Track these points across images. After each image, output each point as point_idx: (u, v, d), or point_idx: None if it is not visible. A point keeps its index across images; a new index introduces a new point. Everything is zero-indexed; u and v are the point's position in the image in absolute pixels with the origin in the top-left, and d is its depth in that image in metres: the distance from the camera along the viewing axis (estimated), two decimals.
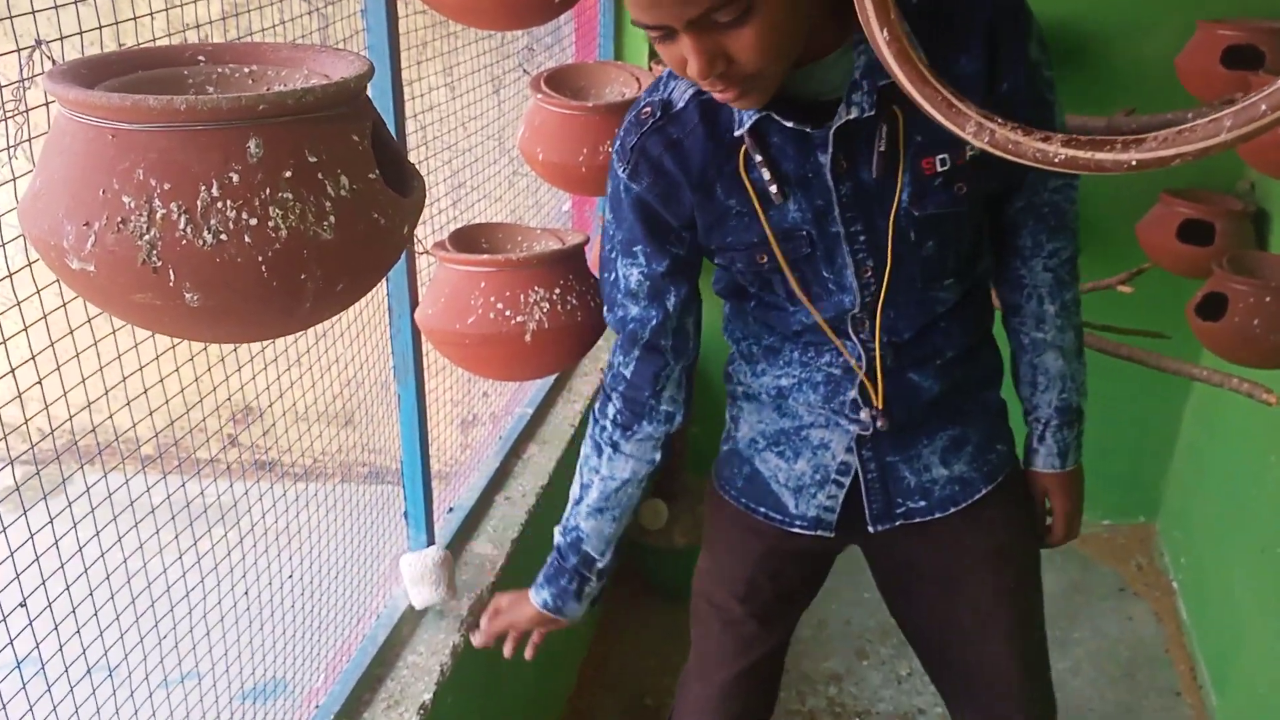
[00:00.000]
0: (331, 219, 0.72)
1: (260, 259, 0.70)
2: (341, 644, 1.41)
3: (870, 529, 1.28)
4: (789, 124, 1.04)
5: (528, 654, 1.43)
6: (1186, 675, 2.25)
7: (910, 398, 1.22)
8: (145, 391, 1.12)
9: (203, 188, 0.69)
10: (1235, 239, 2.11)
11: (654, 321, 1.20)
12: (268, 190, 0.71)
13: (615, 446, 1.28)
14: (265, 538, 1.36)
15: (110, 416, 1.09)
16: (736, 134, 1.07)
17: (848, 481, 1.26)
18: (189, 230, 0.69)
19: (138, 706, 1.14)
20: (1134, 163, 0.85)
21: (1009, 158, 0.90)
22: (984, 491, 1.28)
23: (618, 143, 1.14)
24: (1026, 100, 1.08)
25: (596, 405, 1.29)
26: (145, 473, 1.16)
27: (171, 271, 0.69)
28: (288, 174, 0.71)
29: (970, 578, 1.30)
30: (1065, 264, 1.24)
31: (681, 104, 1.10)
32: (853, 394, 1.21)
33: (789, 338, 1.22)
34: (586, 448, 1.32)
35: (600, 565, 1.37)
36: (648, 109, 1.11)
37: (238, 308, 0.72)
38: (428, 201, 1.66)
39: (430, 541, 1.49)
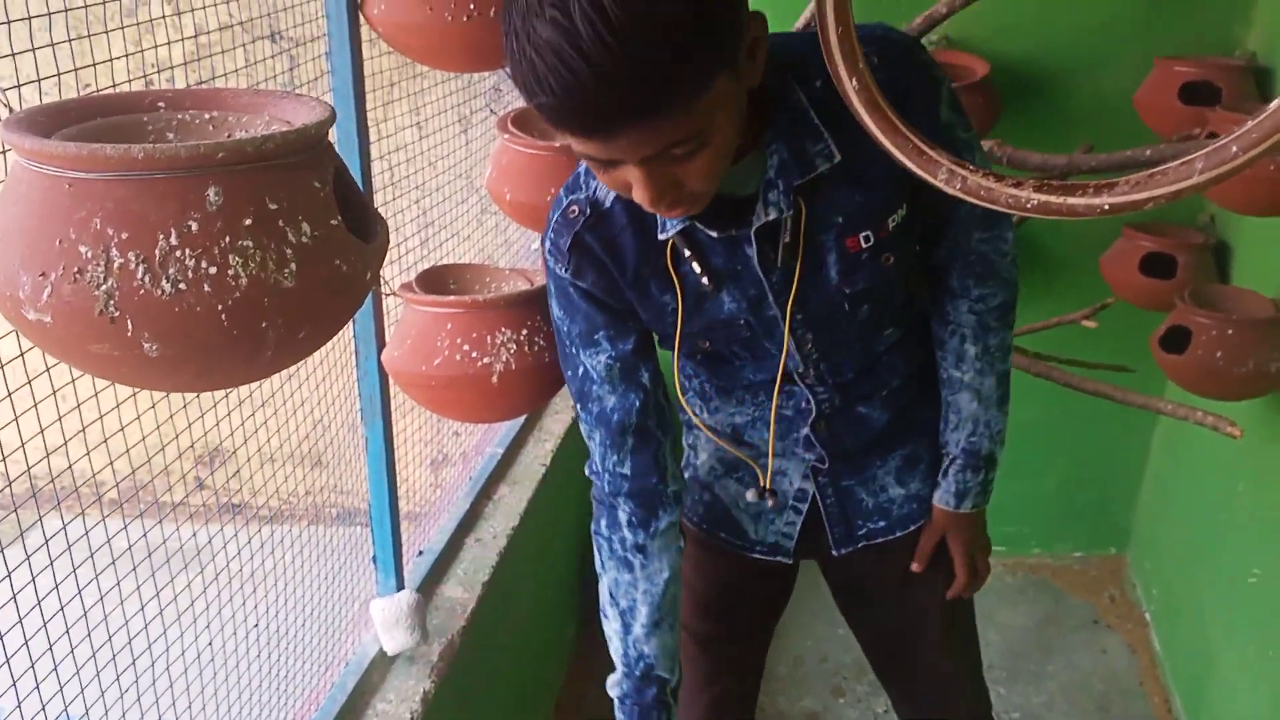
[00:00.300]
0: (293, 266, 0.72)
1: (220, 308, 0.69)
2: (310, 693, 1.38)
3: (834, 553, 1.32)
4: (713, 234, 1.06)
5: None
6: (1160, 707, 2.25)
7: (861, 429, 1.26)
8: (106, 440, 1.11)
9: (161, 237, 0.69)
10: (1197, 271, 2.14)
11: (636, 404, 1.16)
12: (227, 239, 0.70)
13: (643, 551, 1.20)
14: (232, 584, 1.34)
15: (71, 465, 1.07)
16: (661, 237, 1.08)
17: (805, 508, 1.30)
18: (147, 280, 0.68)
19: None
20: (1106, 207, 0.86)
21: (981, 204, 0.91)
22: None
23: (549, 243, 1.12)
24: None
25: (598, 525, 1.22)
26: (106, 521, 1.14)
27: (130, 322, 0.68)
28: (248, 222, 0.71)
29: (920, 588, 1.35)
30: (993, 310, 1.24)
31: (608, 204, 1.09)
32: (805, 431, 1.25)
33: (738, 385, 1.25)
34: (609, 575, 1.22)
35: (673, 684, 1.26)
36: (574, 208, 1.10)
37: (198, 357, 0.71)
38: (396, 241, 1.66)
39: (400, 585, 1.47)
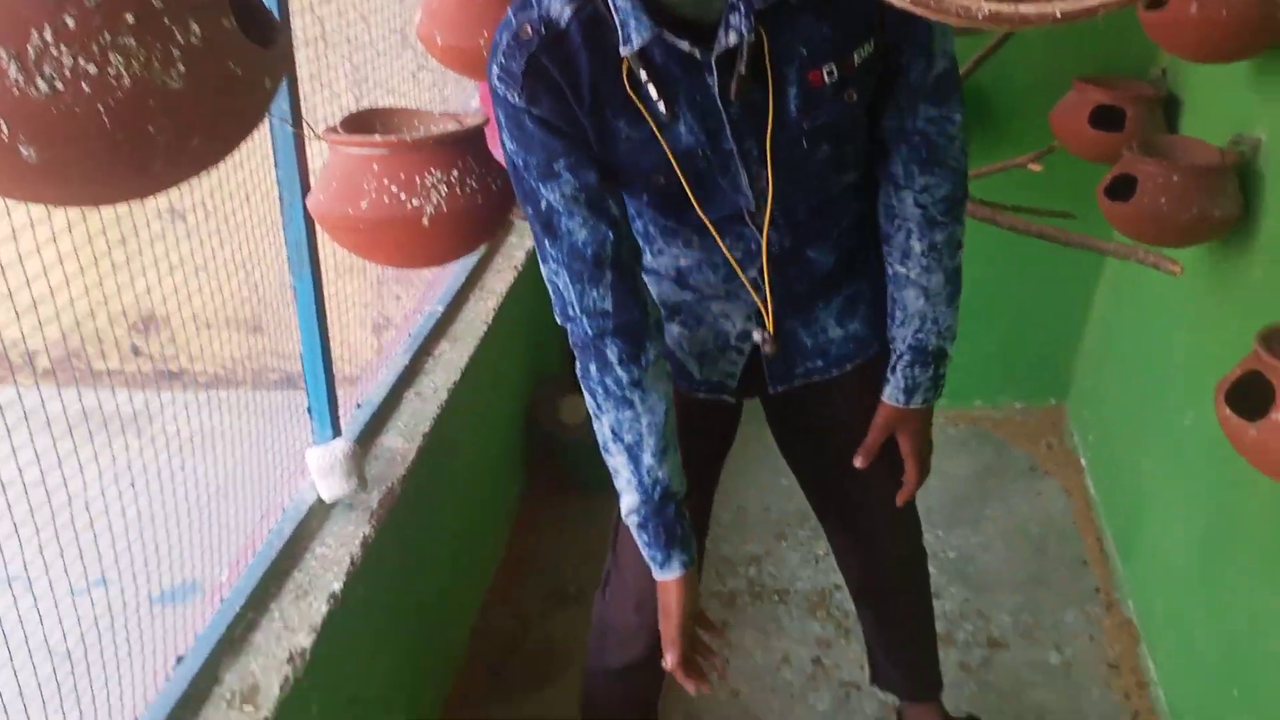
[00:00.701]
0: (180, 67, 0.68)
1: (102, 109, 0.65)
2: (248, 540, 1.38)
3: (770, 390, 1.33)
4: (683, 44, 1.01)
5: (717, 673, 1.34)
6: (1094, 547, 2.33)
7: (808, 272, 1.25)
8: (35, 305, 1.06)
9: (34, 32, 0.64)
10: (1146, 124, 2.12)
11: (610, 235, 1.12)
12: (108, 35, 0.65)
13: (639, 386, 1.18)
14: (170, 446, 1.32)
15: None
16: (623, 52, 1.02)
17: (748, 349, 1.30)
18: (20, 78, 0.64)
19: (43, 616, 1.11)
20: (1059, 14, 0.83)
21: (931, 15, 0.87)
22: (877, 349, 1.32)
23: (498, 69, 1.05)
24: None
25: (585, 371, 1.19)
26: (40, 386, 1.10)
27: (3, 123, 0.64)
28: (130, 19, 0.66)
29: (856, 427, 1.35)
30: (939, 203, 1.21)
31: (563, 23, 1.03)
32: (752, 274, 1.23)
33: (686, 225, 1.22)
34: (609, 417, 1.20)
35: (683, 495, 1.27)
36: (528, 27, 1.03)
37: (81, 163, 0.67)
38: (327, 98, 1.60)
39: (335, 434, 1.46)
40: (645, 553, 1.28)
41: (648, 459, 1.21)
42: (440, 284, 2.03)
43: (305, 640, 1.27)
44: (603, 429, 1.22)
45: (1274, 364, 1.22)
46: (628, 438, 1.21)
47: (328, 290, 1.43)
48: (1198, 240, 1.85)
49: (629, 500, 1.25)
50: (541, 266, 1.17)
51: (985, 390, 2.75)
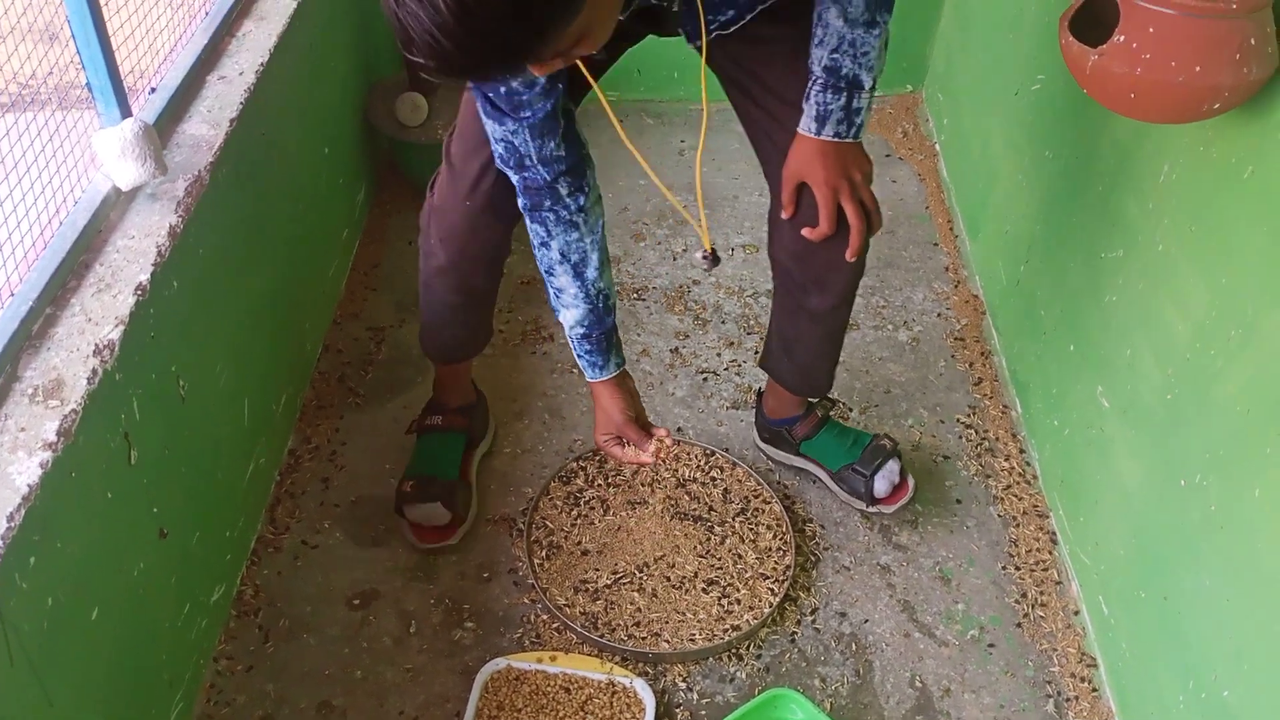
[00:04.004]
0: None
1: None
2: (39, 236, 1.25)
3: (689, 45, 1.34)
4: None
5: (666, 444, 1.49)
6: (944, 228, 2.35)
7: None
8: None
9: None
10: None
11: (560, 88, 1.23)
12: None
13: (584, 211, 1.34)
14: None
15: None
16: None
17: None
18: None
19: None
20: None
21: None
22: None
23: None
24: None
25: (538, 209, 1.32)
26: None
27: None
28: None
29: (785, 64, 1.36)
30: None
31: None
32: None
33: None
34: (558, 242, 1.34)
35: (615, 305, 1.46)
36: None
37: None
38: None
39: (125, 114, 1.30)
40: (586, 362, 1.45)
41: (591, 272, 1.37)
42: None
43: (113, 333, 1.17)
44: (550, 254, 1.36)
45: None
46: (573, 257, 1.36)
47: None
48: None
49: (574, 314, 1.40)
50: (494, 127, 1.26)
51: None
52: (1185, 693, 1.32)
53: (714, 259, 1.41)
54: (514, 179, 1.32)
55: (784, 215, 1.42)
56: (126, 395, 1.21)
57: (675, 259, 2.27)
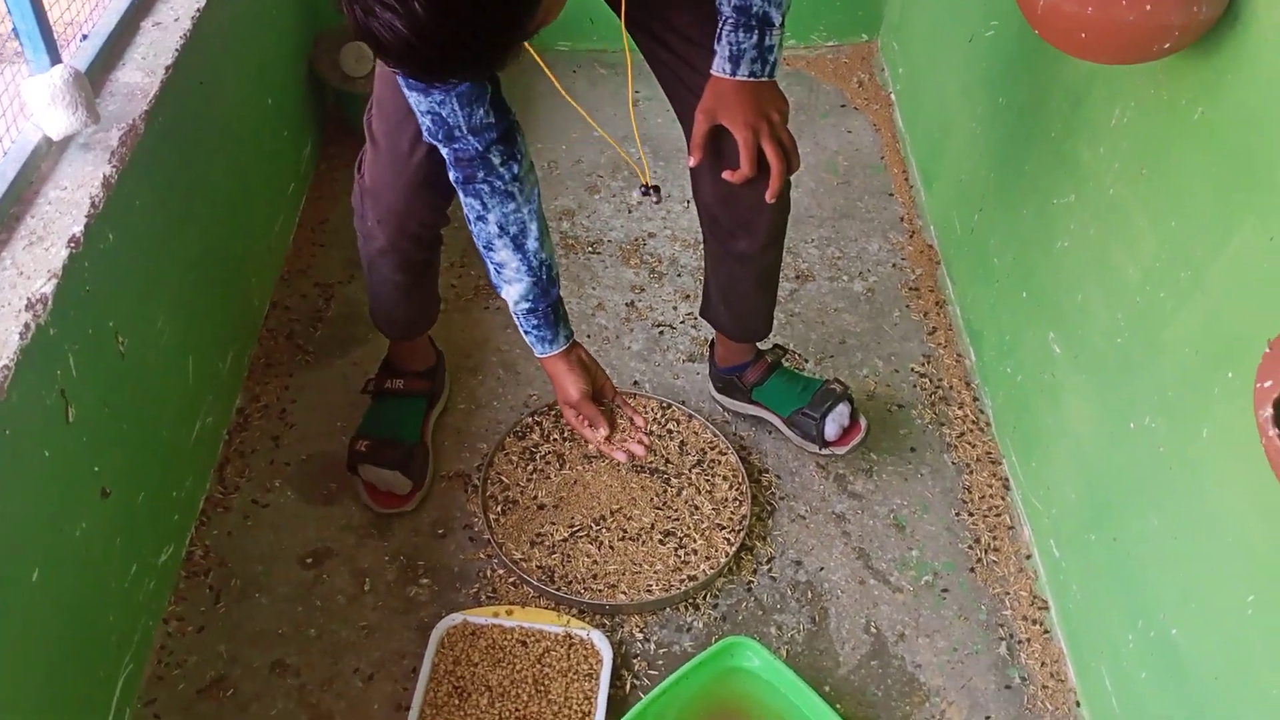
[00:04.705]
0: None
1: None
2: None
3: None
4: None
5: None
6: (899, 178, 2.35)
7: None
8: None
9: None
10: None
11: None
12: None
13: (519, 180, 1.31)
14: None
15: None
16: None
17: None
18: None
19: None
20: None
21: None
22: None
23: None
24: None
25: (471, 180, 1.28)
26: None
27: None
28: None
29: (693, 7, 1.35)
30: None
31: None
32: None
33: None
34: (495, 214, 1.31)
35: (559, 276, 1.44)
36: None
37: None
38: None
39: (55, 62, 1.25)
40: (534, 337, 1.43)
41: (532, 244, 1.34)
42: None
43: (45, 287, 1.14)
44: (488, 228, 1.33)
45: None
46: (512, 229, 1.33)
47: None
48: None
49: (518, 289, 1.37)
50: (419, 99, 1.21)
51: (798, 29, 2.65)
52: (1134, 632, 1.34)
53: (653, 191, 1.39)
54: (444, 152, 1.28)
55: (691, 159, 1.38)
56: (61, 351, 1.18)
57: (630, 212, 2.25)
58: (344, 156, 2.31)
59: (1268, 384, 0.76)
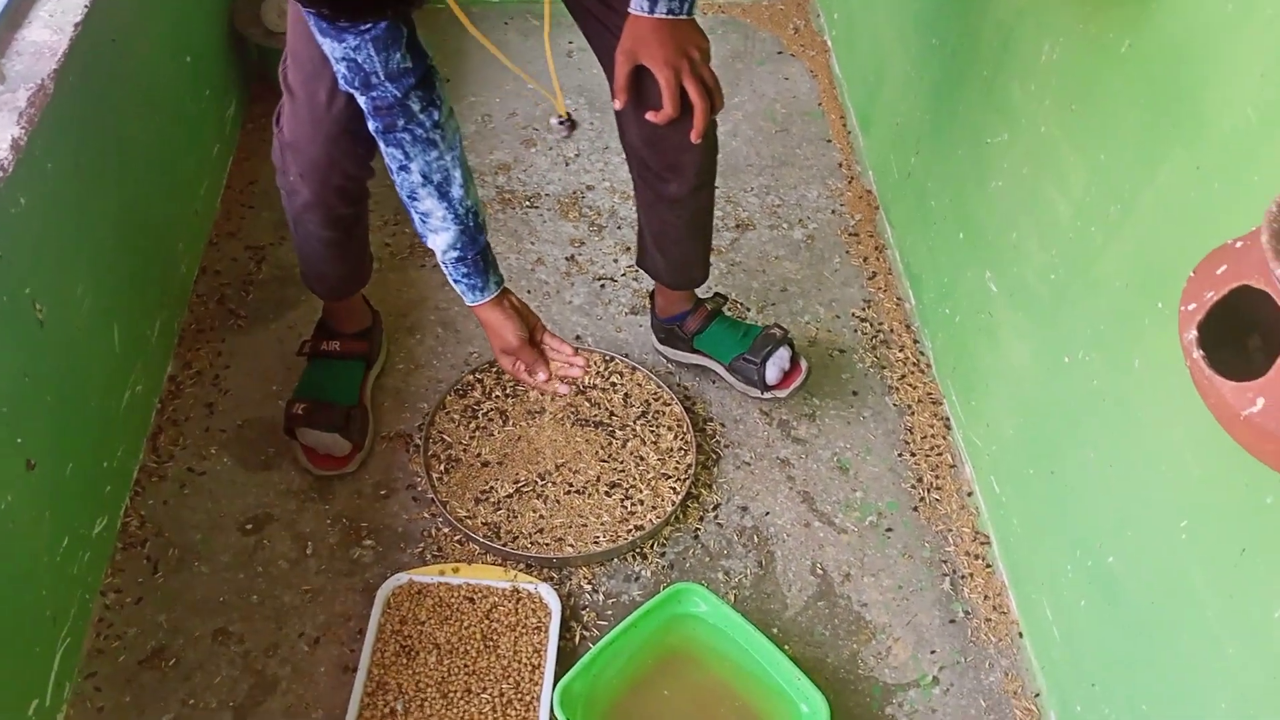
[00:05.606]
0: None
1: None
2: None
3: None
4: None
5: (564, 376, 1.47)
6: (837, 124, 2.34)
7: None
8: None
9: None
10: None
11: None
12: None
13: (439, 125, 1.26)
14: None
15: None
16: None
17: None
18: None
19: None
20: None
21: None
22: None
23: None
24: None
25: (391, 129, 1.23)
26: None
27: None
28: None
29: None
30: None
31: None
32: None
33: None
34: (418, 163, 1.27)
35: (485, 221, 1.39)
36: None
37: None
38: None
39: None
40: (464, 286, 1.38)
41: (456, 190, 1.30)
42: None
43: None
44: (411, 177, 1.28)
45: None
46: (436, 177, 1.28)
47: None
48: None
49: (446, 238, 1.33)
50: (334, 45, 1.16)
51: None
52: (1073, 562, 1.36)
53: (570, 123, 1.38)
54: (361, 101, 1.23)
55: (616, 102, 1.39)
56: None
57: (568, 164, 2.22)
58: (270, 116, 2.24)
59: (1191, 307, 0.76)
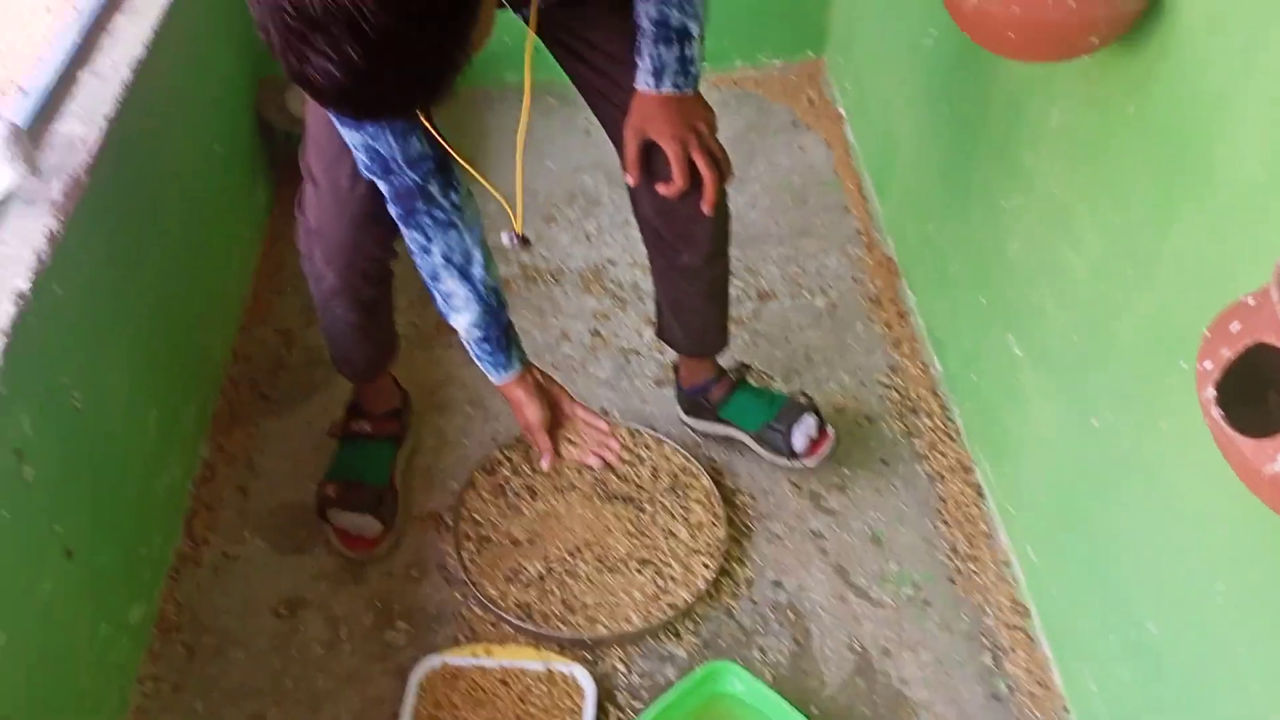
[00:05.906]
0: None
1: None
2: None
3: (514, 14, 1.28)
4: None
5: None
6: (854, 192, 2.36)
7: None
8: None
9: None
10: None
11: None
12: None
13: (459, 208, 1.29)
14: None
15: None
16: None
17: None
18: None
19: None
20: None
21: None
22: None
23: None
24: None
25: (413, 213, 1.26)
26: None
27: None
28: None
29: (611, 22, 1.36)
30: None
31: None
32: None
33: None
34: (439, 245, 1.29)
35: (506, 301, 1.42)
36: None
37: None
38: None
39: None
40: (488, 364, 1.41)
41: (477, 270, 1.33)
42: None
43: None
44: (432, 259, 1.31)
45: None
46: (457, 258, 1.31)
47: None
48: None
49: (468, 317, 1.35)
50: (353, 134, 1.20)
51: (744, 49, 2.67)
52: (1114, 631, 1.34)
53: (524, 242, 1.40)
54: (382, 186, 1.26)
55: (629, 178, 1.41)
56: (14, 410, 1.16)
57: (589, 239, 2.25)
58: (290, 205, 2.29)
59: (1208, 365, 0.76)
